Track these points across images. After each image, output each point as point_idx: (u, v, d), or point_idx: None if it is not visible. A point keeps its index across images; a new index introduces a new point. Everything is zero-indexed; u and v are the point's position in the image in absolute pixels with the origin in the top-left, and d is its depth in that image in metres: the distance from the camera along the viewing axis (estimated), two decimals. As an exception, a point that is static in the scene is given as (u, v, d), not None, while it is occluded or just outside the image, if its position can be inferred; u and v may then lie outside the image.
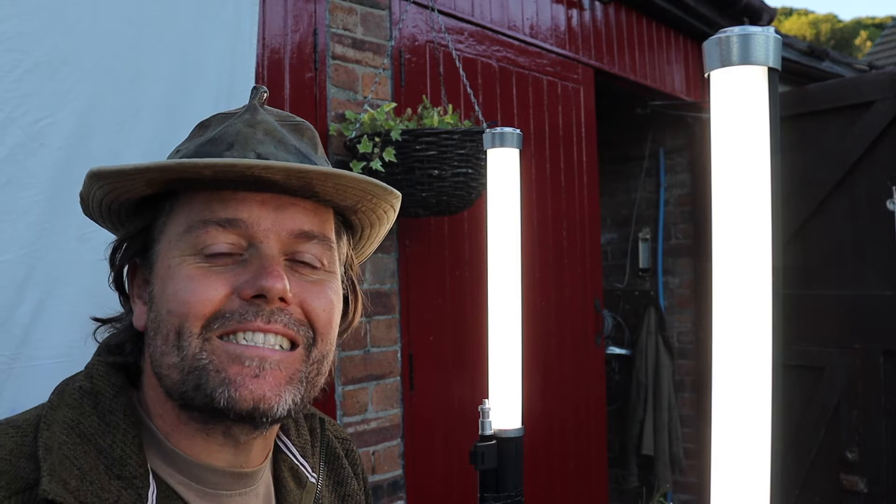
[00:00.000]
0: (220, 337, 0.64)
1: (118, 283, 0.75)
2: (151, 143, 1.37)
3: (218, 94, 1.49)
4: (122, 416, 0.67)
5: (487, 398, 1.08)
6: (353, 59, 2.38)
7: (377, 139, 2.07)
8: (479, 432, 1.06)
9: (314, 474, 0.83)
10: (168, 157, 0.75)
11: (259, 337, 0.65)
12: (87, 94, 1.28)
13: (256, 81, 1.73)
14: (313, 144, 0.76)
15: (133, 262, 0.73)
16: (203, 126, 0.76)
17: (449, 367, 2.64)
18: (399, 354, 2.49)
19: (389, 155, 2.04)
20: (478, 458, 1.03)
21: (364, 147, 2.06)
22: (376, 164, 2.05)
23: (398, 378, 2.48)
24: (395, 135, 2.04)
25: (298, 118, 0.77)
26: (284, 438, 0.83)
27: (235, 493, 0.72)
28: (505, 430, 1.06)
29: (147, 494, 0.64)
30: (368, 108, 2.27)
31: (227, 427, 0.67)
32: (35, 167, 1.21)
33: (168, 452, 0.69)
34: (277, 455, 0.80)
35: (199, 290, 0.64)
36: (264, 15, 2.11)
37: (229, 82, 1.51)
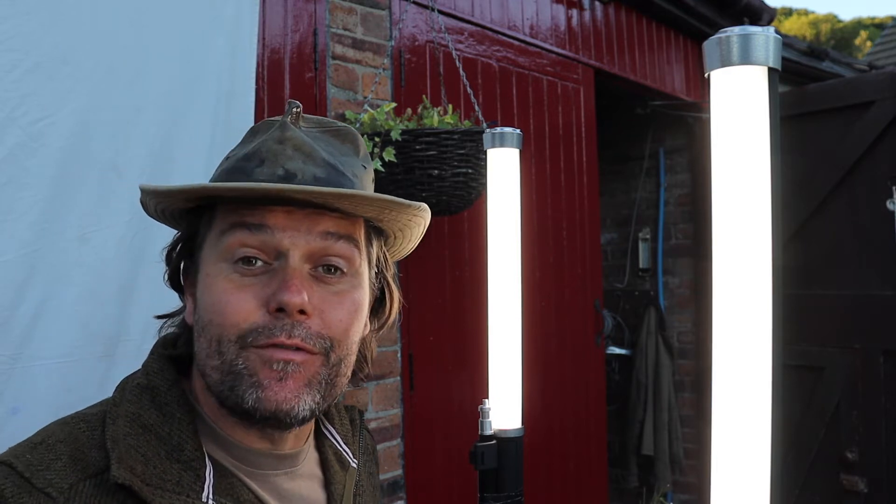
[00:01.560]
0: (255, 347, 0.71)
1: (173, 282, 0.82)
2: (152, 143, 1.37)
3: (218, 94, 1.49)
4: (176, 407, 0.74)
5: (487, 398, 1.08)
6: (353, 59, 2.38)
7: (377, 139, 2.07)
8: (479, 432, 1.06)
9: (355, 460, 0.90)
10: (219, 164, 0.81)
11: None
12: (88, 94, 1.28)
13: (257, 82, 1.73)
14: (355, 147, 0.81)
15: (185, 263, 0.81)
16: (254, 132, 0.81)
17: (449, 367, 2.64)
18: (399, 354, 2.49)
19: (389, 155, 2.04)
20: (478, 458, 1.03)
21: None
22: (376, 164, 2.05)
23: (398, 378, 2.48)
24: (395, 135, 2.04)
25: (340, 123, 0.82)
26: (328, 426, 0.90)
27: (281, 473, 0.79)
28: (505, 430, 1.06)
29: (205, 474, 0.71)
30: (368, 108, 2.27)
31: (260, 427, 0.74)
32: (35, 167, 1.21)
33: (218, 437, 0.76)
34: (323, 440, 0.88)
35: (233, 304, 0.71)
36: (264, 15, 2.11)
37: (230, 82, 1.51)
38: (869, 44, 21.05)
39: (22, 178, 1.19)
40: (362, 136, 2.07)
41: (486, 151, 1.12)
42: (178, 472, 0.70)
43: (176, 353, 0.80)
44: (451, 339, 2.65)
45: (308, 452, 0.84)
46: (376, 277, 0.83)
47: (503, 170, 1.10)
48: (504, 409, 1.08)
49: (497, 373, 1.10)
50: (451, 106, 2.28)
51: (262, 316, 0.71)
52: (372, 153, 2.06)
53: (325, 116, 2.25)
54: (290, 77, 2.19)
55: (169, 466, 0.70)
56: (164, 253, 0.82)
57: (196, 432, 0.74)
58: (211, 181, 0.78)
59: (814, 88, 3.81)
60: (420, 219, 0.83)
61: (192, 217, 0.78)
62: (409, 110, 2.23)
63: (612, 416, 4.06)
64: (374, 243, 0.82)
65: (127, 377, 0.79)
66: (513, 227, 1.11)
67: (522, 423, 1.09)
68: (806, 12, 32.44)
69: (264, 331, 0.70)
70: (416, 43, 2.60)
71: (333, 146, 0.79)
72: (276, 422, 0.71)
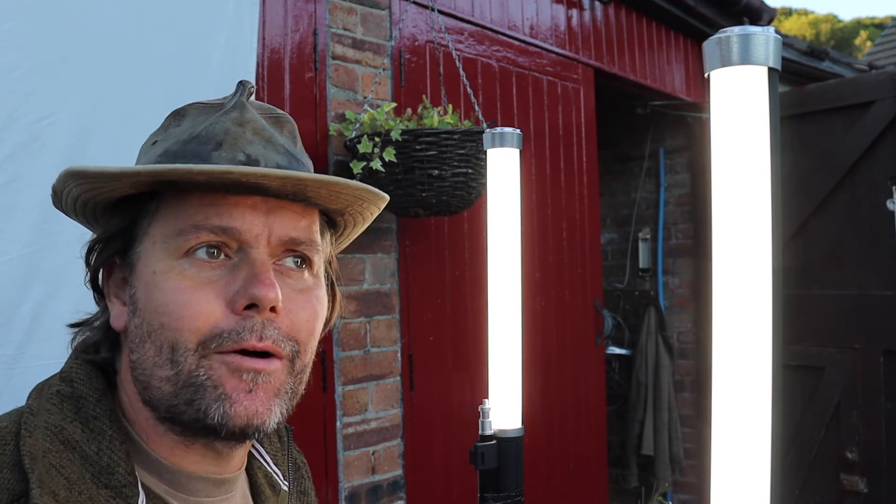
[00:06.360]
0: (217, 353, 0.64)
1: (94, 282, 0.72)
2: (152, 143, 1.37)
3: (219, 94, 1.49)
4: (107, 423, 0.64)
5: (487, 398, 1.08)
6: (353, 59, 2.38)
7: (377, 139, 2.07)
8: (479, 432, 1.06)
9: (286, 482, 0.83)
10: (143, 148, 0.74)
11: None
12: (88, 94, 1.28)
13: (257, 82, 1.73)
14: (293, 137, 0.75)
15: (110, 261, 0.70)
16: (178, 115, 0.73)
17: (449, 367, 2.64)
18: (399, 354, 2.49)
19: (389, 155, 2.04)
20: (478, 458, 1.03)
21: (364, 147, 2.06)
22: (376, 164, 2.05)
23: (398, 378, 2.48)
24: (395, 135, 2.04)
25: (278, 110, 0.76)
26: (258, 446, 0.83)
27: (216, 500, 0.71)
28: (505, 430, 1.06)
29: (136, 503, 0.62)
30: (368, 108, 2.27)
31: (209, 441, 0.67)
32: (37, 166, 1.21)
33: (150, 459, 0.67)
34: (252, 462, 0.80)
35: (192, 304, 0.63)
36: (264, 15, 2.11)
37: (231, 83, 1.50)
38: (869, 44, 21.04)
39: (24, 178, 1.19)
40: (362, 136, 2.08)
41: (486, 151, 1.12)
42: (107, 500, 0.60)
43: (99, 358, 0.70)
44: (451, 339, 2.65)
45: (241, 477, 0.77)
46: (325, 274, 0.76)
47: (503, 170, 1.10)
48: (504, 409, 1.08)
49: (497, 373, 1.10)
50: (451, 106, 2.28)
51: (227, 317, 0.63)
52: (372, 153, 2.07)
53: (326, 116, 2.27)
54: (290, 77, 2.19)
55: (96, 492, 0.60)
56: (85, 250, 0.71)
57: (128, 454, 0.64)
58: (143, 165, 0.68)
59: (814, 88, 3.80)
60: (377, 210, 0.77)
61: (123, 209, 0.68)
62: (409, 110, 2.23)
63: (612, 416, 4.06)
64: (327, 237, 0.76)
65: (42, 383, 0.69)
66: (513, 227, 1.11)
67: (522, 423, 1.09)
68: (806, 12, 32.46)
69: (231, 334, 0.62)
70: (416, 43, 2.60)
71: (281, 136, 0.72)
72: (241, 437, 0.64)
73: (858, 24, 30.50)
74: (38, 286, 1.21)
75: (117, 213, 0.69)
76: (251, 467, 0.80)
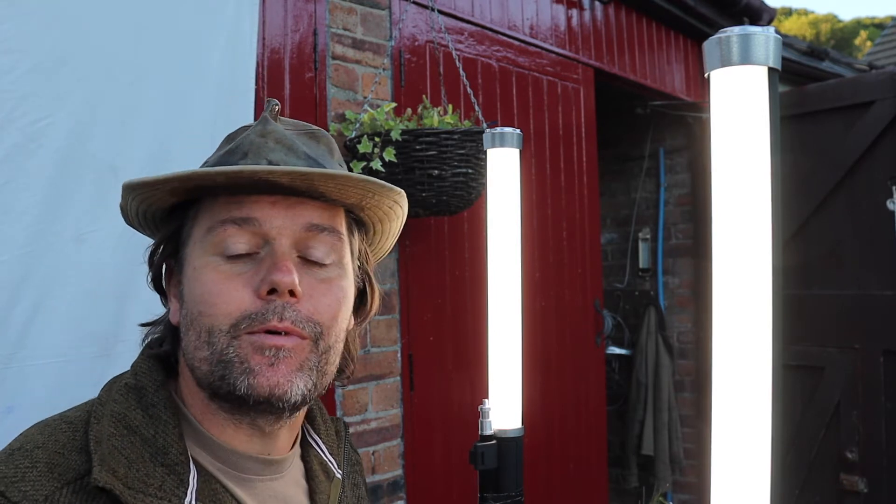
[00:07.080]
0: (247, 334, 0.72)
1: (156, 284, 0.82)
2: (151, 144, 1.36)
3: (218, 94, 1.49)
4: (163, 409, 0.73)
5: (487, 398, 1.08)
6: (353, 59, 2.38)
7: (377, 139, 2.07)
8: (479, 432, 1.06)
9: (340, 471, 0.90)
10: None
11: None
12: (86, 95, 1.28)
13: (256, 82, 1.72)
14: (329, 149, 0.82)
15: (168, 264, 0.81)
16: (229, 138, 0.83)
17: (449, 367, 2.64)
18: (399, 354, 2.49)
19: (389, 155, 2.04)
20: (478, 458, 1.03)
21: (364, 147, 2.06)
22: (376, 164, 2.05)
23: (398, 378, 2.48)
24: (395, 135, 2.04)
25: (314, 126, 0.84)
26: (315, 435, 0.90)
27: (267, 479, 0.79)
28: (505, 430, 1.06)
29: (188, 479, 0.71)
30: (368, 108, 2.27)
31: (252, 417, 0.75)
32: (33, 168, 1.21)
33: (205, 439, 0.75)
34: (309, 449, 0.88)
35: (224, 293, 0.72)
36: (264, 15, 2.10)
37: (230, 83, 1.51)
38: (869, 44, 21.04)
39: (20, 179, 1.19)
40: (362, 136, 2.08)
41: (486, 151, 1.12)
42: (162, 476, 0.69)
43: (163, 352, 0.80)
44: (451, 339, 2.65)
45: (293, 461, 0.84)
46: (359, 270, 0.84)
47: (503, 170, 1.10)
48: (504, 409, 1.08)
49: (497, 373, 1.10)
50: (451, 106, 2.28)
51: (254, 302, 0.71)
52: (372, 153, 2.06)
53: (326, 116, 2.26)
54: (290, 77, 2.19)
55: (153, 469, 0.69)
56: (147, 255, 0.82)
57: (181, 436, 0.73)
58: None
59: (814, 88, 3.80)
60: (399, 208, 0.84)
61: (174, 216, 0.79)
62: (409, 110, 2.23)
63: (612, 416, 4.06)
64: (356, 234, 0.83)
65: (115, 377, 0.78)
66: (513, 227, 1.11)
67: (522, 423, 1.09)
68: (806, 12, 32.48)
69: (257, 317, 0.71)
70: (416, 43, 2.60)
71: (309, 146, 0.80)
72: (269, 406, 0.72)
73: (858, 24, 30.51)
74: (33, 288, 1.21)
75: (168, 221, 0.80)
76: (307, 454, 0.87)
